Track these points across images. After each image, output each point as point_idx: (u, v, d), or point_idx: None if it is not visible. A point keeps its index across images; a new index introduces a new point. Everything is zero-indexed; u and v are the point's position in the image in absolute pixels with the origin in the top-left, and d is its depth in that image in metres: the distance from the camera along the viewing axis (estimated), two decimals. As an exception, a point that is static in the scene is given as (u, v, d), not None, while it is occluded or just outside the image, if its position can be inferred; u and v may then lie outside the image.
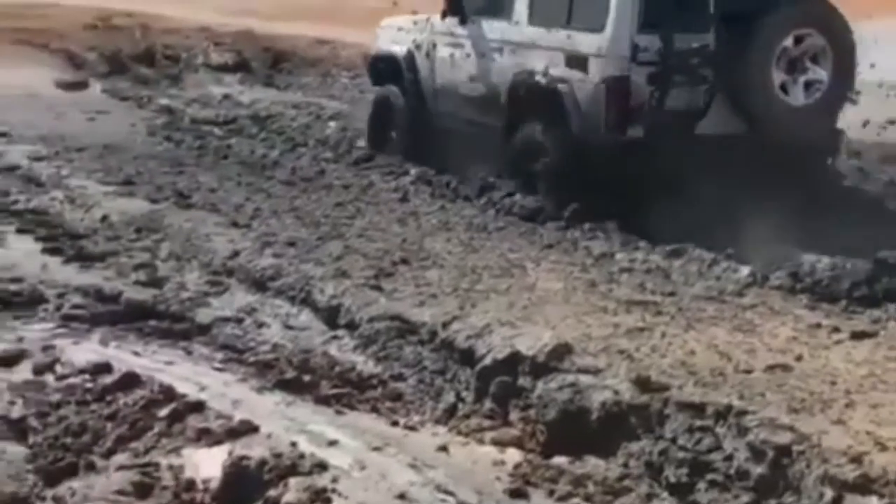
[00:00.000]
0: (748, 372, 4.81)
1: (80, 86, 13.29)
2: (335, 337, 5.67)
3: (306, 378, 5.06)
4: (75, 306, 5.77)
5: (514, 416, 4.79)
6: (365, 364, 5.32)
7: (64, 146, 9.53)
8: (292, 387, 4.97)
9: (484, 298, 5.93)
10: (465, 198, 8.26)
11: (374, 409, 4.88)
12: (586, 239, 7.21)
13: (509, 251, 6.94)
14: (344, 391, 4.99)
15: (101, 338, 5.40)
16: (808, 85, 7.99)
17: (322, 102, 13.10)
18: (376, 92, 10.19)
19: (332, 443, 4.37)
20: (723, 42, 7.78)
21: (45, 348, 5.21)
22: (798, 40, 7.94)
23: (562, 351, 4.87)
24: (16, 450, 4.24)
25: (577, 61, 8.03)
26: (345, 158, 9.65)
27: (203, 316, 5.80)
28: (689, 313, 5.63)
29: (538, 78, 8.27)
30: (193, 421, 4.45)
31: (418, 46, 9.61)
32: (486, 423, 4.77)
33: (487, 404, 4.88)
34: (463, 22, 9.13)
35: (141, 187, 8.22)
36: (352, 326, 5.70)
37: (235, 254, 6.64)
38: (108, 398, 4.65)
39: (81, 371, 4.91)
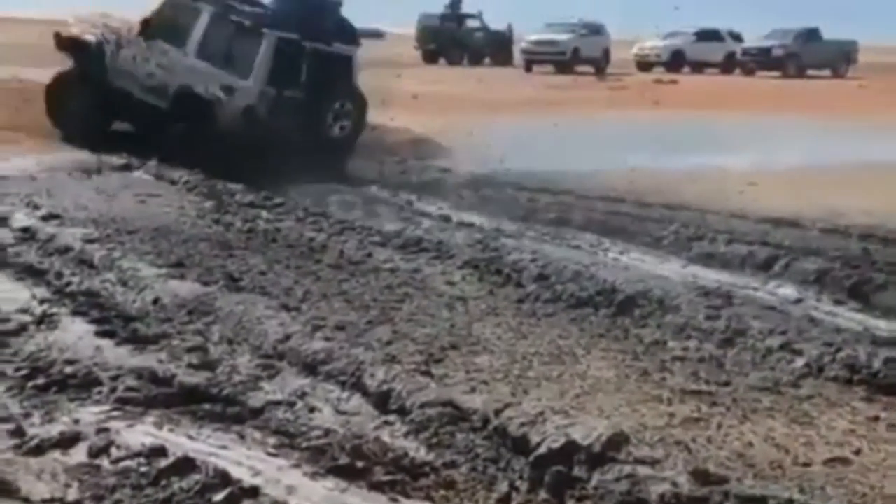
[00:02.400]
0: (807, 465, 4.77)
1: (129, 167, 13.47)
2: (387, 422, 5.64)
3: (359, 464, 5.03)
4: (129, 389, 5.78)
5: (569, 506, 4.74)
6: (417, 451, 5.29)
7: (115, 228, 9.64)
8: (345, 473, 4.94)
9: (535, 385, 5.92)
10: (517, 284, 8.30)
11: (428, 497, 4.84)
12: (637, 327, 7.20)
13: (559, 338, 6.94)
14: (397, 478, 4.96)
15: (156, 421, 5.41)
16: (341, 127, 14.90)
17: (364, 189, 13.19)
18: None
19: (388, 531, 4.34)
20: (307, 97, 14.21)
21: (100, 431, 5.21)
22: (342, 104, 14.93)
23: (618, 441, 4.83)
24: (72, 533, 4.24)
25: (228, 89, 14.00)
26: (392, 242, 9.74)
27: (255, 400, 5.79)
28: (745, 404, 5.58)
29: (199, 90, 14.11)
30: (249, 507, 4.43)
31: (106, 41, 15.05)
32: (542, 513, 4.72)
33: (542, 494, 4.83)
34: (147, 40, 14.73)
35: (192, 270, 8.29)
36: (403, 412, 5.67)
37: (286, 337, 6.66)
38: (163, 482, 4.65)
39: (136, 454, 4.90)
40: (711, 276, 8.85)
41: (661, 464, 4.67)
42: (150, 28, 14.84)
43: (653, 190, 12.98)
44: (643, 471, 4.64)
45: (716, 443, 4.94)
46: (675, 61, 43.20)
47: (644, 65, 43.66)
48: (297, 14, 14.41)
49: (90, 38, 15.28)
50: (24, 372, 5.98)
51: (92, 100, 15.02)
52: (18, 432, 5.16)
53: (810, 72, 41.27)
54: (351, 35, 15.29)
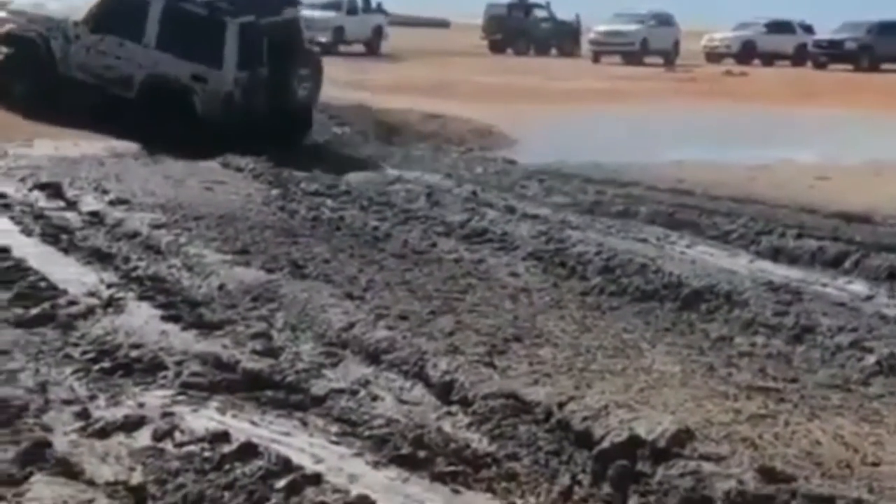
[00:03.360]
0: (876, 465, 4.67)
1: (195, 155, 13.57)
2: (449, 413, 5.61)
3: (421, 454, 5.01)
4: (194, 374, 5.82)
5: (633, 502, 4.68)
6: (479, 442, 5.25)
7: (182, 214, 9.73)
8: (407, 462, 4.92)
9: (599, 379, 5.87)
10: (582, 276, 8.24)
11: (490, 489, 4.81)
12: (704, 322, 7.11)
13: (624, 331, 6.87)
14: (459, 469, 4.93)
15: (220, 406, 5.44)
16: (304, 88, 15.56)
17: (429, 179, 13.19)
18: None
19: (450, 522, 4.32)
20: (271, 70, 14.93)
21: (165, 415, 5.25)
22: (302, 69, 15.55)
23: (683, 436, 4.76)
24: (136, 517, 4.27)
25: (199, 78, 14.59)
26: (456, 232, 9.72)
27: (318, 387, 5.79)
28: (813, 401, 5.49)
29: (170, 80, 14.69)
30: (311, 494, 4.43)
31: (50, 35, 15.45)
32: (605, 508, 4.67)
33: (605, 489, 4.77)
34: (94, 32, 15.17)
35: (257, 257, 8.33)
36: (465, 403, 5.64)
37: (350, 325, 6.66)
38: (226, 467, 4.66)
39: (200, 439, 4.93)
40: (780, 272, 8.72)
41: (726, 460, 4.59)
42: (96, 21, 15.24)
43: (721, 183, 12.83)
44: (708, 467, 4.57)
45: (783, 440, 4.86)
46: (746, 53, 42.68)
47: (714, 56, 43.20)
48: None
49: (31, 34, 15.62)
50: (90, 355, 6.05)
51: (40, 89, 15.35)
52: (84, 415, 5.22)
53: (884, 65, 40.52)
54: None
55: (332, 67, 18.52)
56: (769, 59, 42.59)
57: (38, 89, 15.44)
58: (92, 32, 15.28)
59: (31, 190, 10.60)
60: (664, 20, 43.69)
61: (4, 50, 15.96)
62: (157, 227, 9.13)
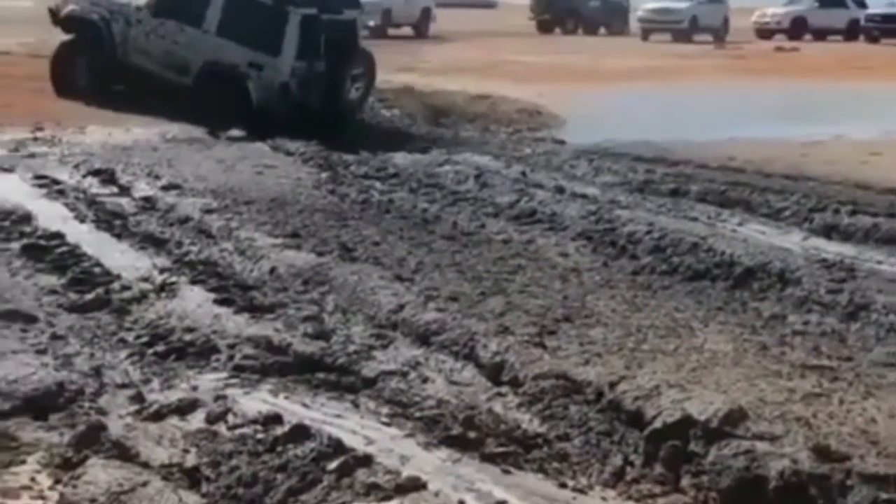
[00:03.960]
0: (933, 443, 4.60)
1: (246, 139, 13.67)
2: (499, 394, 5.62)
3: (472, 435, 5.02)
4: (246, 357, 5.87)
5: (685, 482, 4.65)
6: (530, 423, 5.25)
7: (233, 199, 9.79)
8: (458, 443, 4.93)
9: (651, 359, 5.84)
10: (632, 256, 8.20)
11: (541, 469, 4.80)
12: (756, 300, 7.05)
13: (675, 311, 6.83)
14: (510, 450, 4.93)
15: (272, 389, 5.48)
16: (356, 89, 15.86)
17: (478, 160, 13.18)
18: None
19: (501, 503, 4.32)
20: (327, 66, 14.97)
21: (218, 398, 5.30)
22: (357, 68, 15.77)
23: (736, 416, 4.73)
24: (190, 498, 4.31)
25: (258, 66, 14.70)
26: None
27: (369, 369, 5.82)
28: (868, 379, 5.43)
29: (227, 67, 14.80)
30: (362, 475, 4.45)
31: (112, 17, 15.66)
32: (657, 488, 4.64)
33: (657, 469, 4.76)
34: (156, 16, 15.32)
35: (307, 240, 8.37)
36: (516, 384, 5.64)
37: (400, 307, 6.68)
38: (279, 449, 4.70)
39: (253, 421, 4.96)
40: (833, 249, 8.62)
41: (780, 440, 4.56)
42: (158, 6, 15.38)
43: (773, 160, 12.69)
44: (762, 447, 4.54)
45: (837, 419, 4.81)
46: (797, 28, 42.11)
47: (764, 32, 42.64)
48: None
49: (94, 16, 15.78)
50: (144, 339, 6.12)
51: (99, 73, 15.70)
52: (138, 398, 5.29)
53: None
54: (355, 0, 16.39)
55: (381, 50, 18.52)
56: (821, 34, 41.99)
57: (98, 73, 15.72)
58: (153, 17, 15.41)
59: (84, 176, 10.72)
60: (714, -3, 43.20)
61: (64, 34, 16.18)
62: (209, 211, 9.21)
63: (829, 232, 9.26)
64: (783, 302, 7.03)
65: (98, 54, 15.69)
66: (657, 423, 4.89)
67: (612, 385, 5.31)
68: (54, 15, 16.44)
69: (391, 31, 35.48)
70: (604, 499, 4.58)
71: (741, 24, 42.20)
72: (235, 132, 13.85)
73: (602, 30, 44.81)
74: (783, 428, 4.66)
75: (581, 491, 4.63)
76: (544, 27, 44.27)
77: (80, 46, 15.96)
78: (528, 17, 45.23)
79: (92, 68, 15.80)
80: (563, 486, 4.65)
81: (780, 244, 8.72)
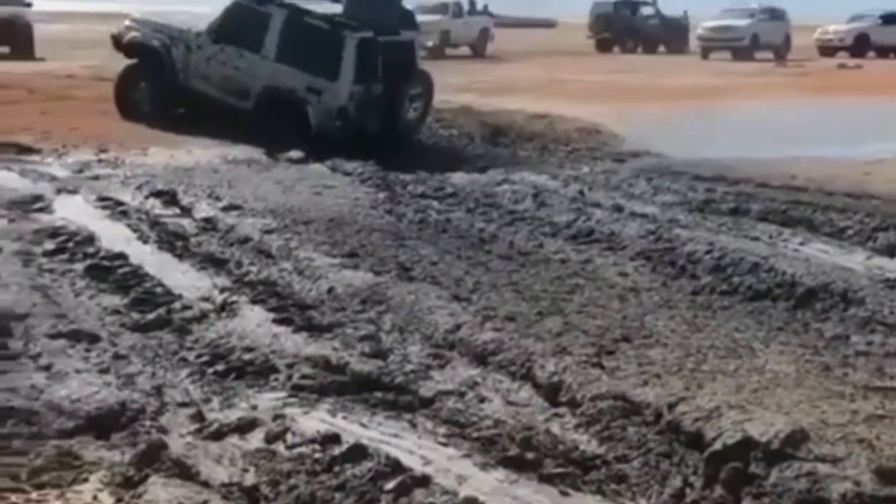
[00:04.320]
0: None
1: (305, 160, 13.77)
2: (557, 414, 5.60)
3: (529, 456, 5.01)
4: (305, 376, 5.90)
5: (746, 504, 4.61)
6: (588, 444, 5.23)
7: (292, 219, 9.87)
8: (515, 464, 4.92)
9: (710, 380, 5.79)
10: (692, 275, 8.14)
11: (599, 491, 4.78)
12: (818, 321, 6.96)
13: (735, 331, 6.77)
14: (568, 471, 4.91)
15: (330, 408, 5.50)
16: (414, 109, 15.90)
17: (535, 179, 13.16)
18: None
19: (558, 524, 4.30)
20: (385, 89, 15.05)
21: (277, 417, 5.33)
22: (415, 89, 15.75)
23: (798, 437, 4.68)
24: (249, 517, 4.34)
25: (315, 91, 14.81)
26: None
27: (426, 389, 5.83)
28: (934, 402, 5.33)
29: (284, 92, 14.98)
30: (420, 495, 4.46)
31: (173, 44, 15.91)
32: (717, 510, 4.60)
33: (718, 491, 4.71)
34: (216, 42, 15.52)
35: (365, 260, 8.41)
36: (574, 404, 5.62)
37: (457, 327, 6.68)
38: (337, 469, 4.72)
39: (311, 441, 4.99)
40: (898, 268, 8.48)
41: (842, 462, 4.50)
42: (218, 32, 15.55)
43: (835, 178, 12.54)
44: (824, 469, 4.48)
45: (902, 441, 4.74)
46: (860, 46, 41.65)
47: (827, 49, 42.24)
48: (369, 11, 15.05)
49: (155, 42, 16.03)
50: (205, 358, 6.18)
51: (161, 97, 15.96)
52: (199, 417, 5.34)
53: None
54: (411, 20, 16.28)
55: (438, 71, 18.58)
56: (884, 51, 41.50)
57: (160, 98, 15.96)
58: (213, 43, 15.60)
59: (147, 197, 10.86)
60: (775, 14, 42.91)
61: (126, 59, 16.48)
62: (268, 231, 9.28)
63: (893, 251, 9.11)
64: (846, 322, 6.95)
65: (160, 79, 15.97)
66: (717, 445, 4.84)
67: (672, 406, 5.27)
68: (117, 41, 16.73)
69: (449, 52, 35.63)
70: (662, 521, 4.54)
71: (803, 42, 41.84)
72: (294, 154, 13.95)
73: (661, 48, 44.66)
74: (845, 450, 4.60)
75: (640, 513, 4.59)
76: (603, 46, 44.23)
77: (142, 72, 16.25)
78: (586, 35, 45.21)
79: (154, 93, 16.06)
80: (621, 507, 4.62)
81: (843, 264, 8.61)
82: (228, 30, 15.52)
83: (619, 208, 10.92)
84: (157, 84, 16.02)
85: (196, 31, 15.91)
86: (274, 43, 15.14)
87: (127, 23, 16.81)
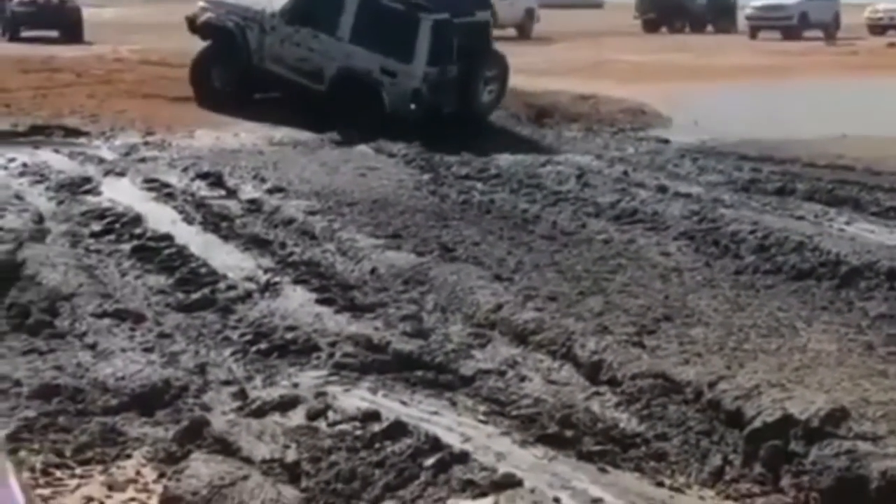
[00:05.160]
0: None
1: (350, 142, 13.81)
2: (597, 393, 5.60)
3: (568, 433, 5.02)
4: (346, 355, 5.95)
5: (785, 482, 4.59)
6: (628, 422, 5.23)
7: (336, 201, 9.92)
8: (555, 442, 4.94)
9: (752, 358, 5.78)
10: (735, 255, 8.10)
11: (638, 469, 4.78)
12: (863, 300, 6.91)
13: (778, 310, 6.74)
14: (607, 448, 4.92)
15: (371, 386, 5.55)
16: (490, 92, 15.68)
17: (580, 160, 13.11)
18: None
19: (596, 501, 4.32)
20: (460, 71, 15.01)
21: (318, 395, 5.38)
22: (490, 71, 15.61)
23: (838, 416, 4.66)
24: (290, 493, 4.38)
25: (390, 73, 14.70)
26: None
27: (467, 368, 5.86)
28: (978, 380, 5.28)
29: (359, 73, 14.86)
30: (458, 472, 4.49)
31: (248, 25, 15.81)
32: (756, 488, 4.59)
33: (757, 469, 4.70)
34: (290, 24, 15.41)
35: (407, 241, 8.45)
36: (614, 383, 5.62)
37: (498, 307, 6.70)
38: (377, 446, 4.75)
39: (352, 418, 5.03)
40: (945, 247, 8.38)
41: (883, 440, 4.48)
42: (292, 13, 15.41)
43: (883, 158, 12.39)
44: (864, 447, 4.46)
45: (944, 420, 4.71)
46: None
47: (877, 28, 41.61)
48: None
49: (230, 24, 15.95)
50: (248, 337, 6.25)
51: (236, 79, 15.85)
52: (241, 395, 5.40)
53: None
54: (485, 1, 16.13)
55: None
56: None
57: (234, 80, 15.91)
58: (287, 24, 15.49)
59: (192, 179, 10.96)
60: (824, -8, 42.31)
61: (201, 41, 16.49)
62: (312, 213, 9.34)
63: (939, 230, 9.02)
64: (890, 301, 6.89)
65: (233, 61, 15.87)
66: (757, 423, 4.83)
67: (712, 385, 5.25)
68: (191, 23, 16.71)
69: (494, 32, 35.45)
70: (702, 498, 4.55)
71: (853, 21, 41.25)
72: (338, 135, 14.01)
73: (709, 28, 44.21)
74: (886, 428, 4.58)
75: (679, 490, 4.60)
76: (650, 26, 43.84)
77: (216, 54, 16.20)
78: (633, 16, 44.86)
79: (228, 75, 15.99)
80: (660, 485, 4.63)
81: (889, 243, 8.53)
82: (303, 11, 15.39)
83: (663, 188, 10.87)
84: (230, 67, 15.94)
85: (270, 11, 15.78)
86: (349, 24, 15.02)
87: (201, 4, 16.76)
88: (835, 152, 12.92)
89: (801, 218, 9.54)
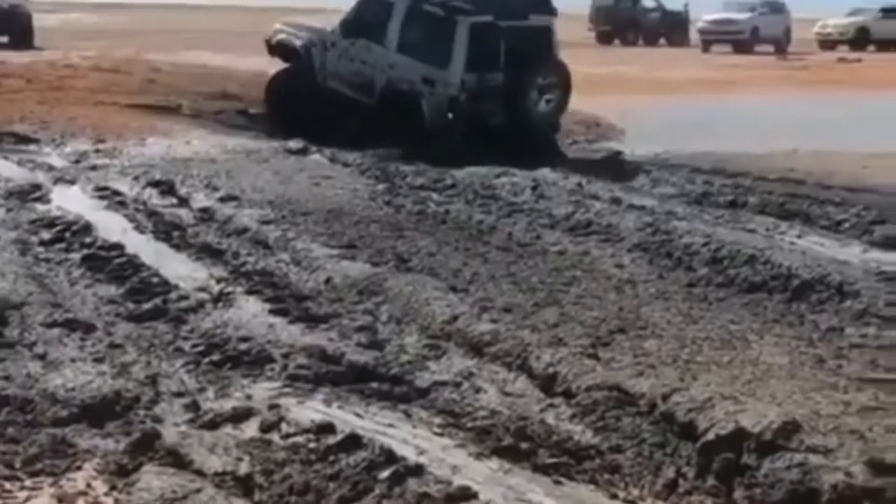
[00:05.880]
0: None
1: (304, 151, 13.77)
2: (552, 405, 5.60)
3: (523, 446, 5.02)
4: (300, 366, 5.91)
5: (738, 494, 4.61)
6: (582, 434, 5.24)
7: (290, 210, 9.87)
8: (510, 454, 4.93)
9: (705, 371, 5.81)
10: (688, 268, 8.15)
11: (593, 481, 4.79)
12: (814, 313, 6.98)
13: (731, 323, 6.78)
14: (561, 461, 4.92)
15: (325, 398, 5.51)
16: (547, 101, 14.61)
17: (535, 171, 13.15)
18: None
19: (551, 513, 4.32)
20: (509, 78, 14.12)
21: (272, 407, 5.34)
22: (545, 79, 14.56)
23: (790, 429, 4.69)
24: (243, 506, 4.35)
25: (430, 82, 14.02)
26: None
27: (422, 380, 5.84)
28: (927, 394, 5.34)
29: (403, 84, 14.27)
30: (413, 485, 4.46)
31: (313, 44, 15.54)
32: (710, 500, 4.61)
33: (710, 481, 4.72)
34: (346, 37, 15.04)
35: (363, 251, 8.42)
36: (568, 395, 5.62)
37: (454, 318, 6.69)
38: (331, 458, 4.73)
39: (306, 431, 5.00)
40: (893, 261, 8.48)
41: (834, 453, 4.51)
42: (351, 27, 15.06)
43: (834, 172, 12.55)
44: (816, 460, 4.49)
45: (894, 432, 4.75)
46: (860, 39, 41.63)
47: (827, 43, 42.24)
48: None
49: (297, 43, 15.76)
50: (200, 348, 6.19)
51: (305, 99, 15.16)
52: (194, 407, 5.35)
53: None
54: (546, 4, 14.84)
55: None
56: (884, 45, 41.46)
57: (297, 100, 15.24)
58: (344, 37, 15.11)
59: (144, 188, 10.87)
60: (775, 7, 42.87)
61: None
62: (266, 222, 9.29)
63: (889, 244, 9.12)
64: (841, 314, 6.95)
65: (301, 81, 15.43)
66: (710, 436, 4.85)
67: (666, 397, 5.27)
68: (268, 44, 16.44)
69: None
70: (656, 511, 4.56)
71: (804, 35, 41.81)
72: (292, 144, 13.95)
73: (662, 41, 44.63)
74: (838, 441, 4.61)
75: (632, 502, 4.61)
76: (604, 38, 44.23)
77: (286, 74, 15.95)
78: (587, 27, 45.17)
79: (297, 95, 15.33)
80: (614, 497, 4.64)
81: (839, 257, 8.62)
82: (358, 22, 15.00)
83: (617, 200, 10.93)
84: (295, 86, 15.45)
85: (332, 28, 15.52)
86: (396, 33, 14.50)
87: (276, 26, 16.50)
88: (786, 166, 13.05)
89: (752, 231, 9.62)
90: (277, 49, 16.28)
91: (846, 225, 9.83)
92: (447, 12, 14.01)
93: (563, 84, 14.78)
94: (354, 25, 15.05)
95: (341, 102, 15.11)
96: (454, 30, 13.85)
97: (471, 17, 13.87)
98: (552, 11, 14.89)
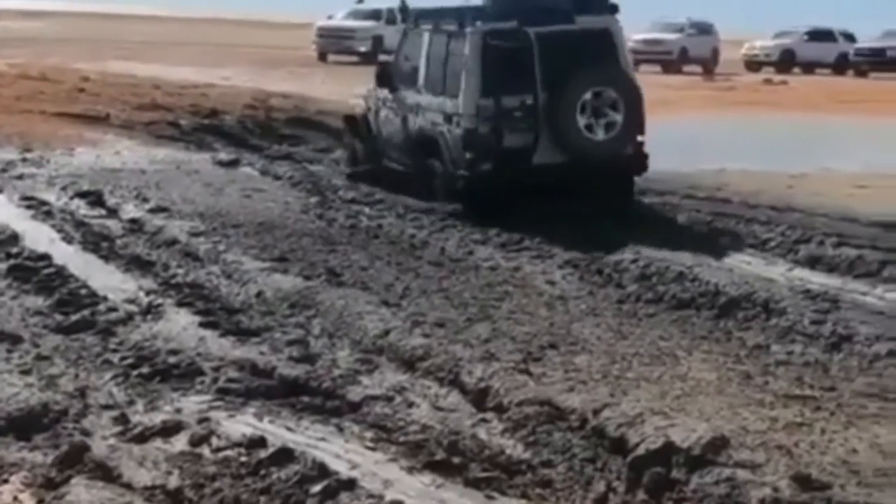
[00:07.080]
0: (913, 474, 4.63)
1: (235, 163, 13.68)
2: (484, 420, 5.63)
3: (456, 460, 5.04)
4: (231, 380, 5.88)
5: (668, 509, 4.68)
6: (514, 449, 5.27)
7: (221, 222, 9.81)
8: (442, 468, 4.95)
9: (635, 386, 5.87)
10: (618, 284, 8.23)
11: (524, 495, 4.82)
12: (741, 330, 7.09)
13: (660, 339, 6.87)
14: (493, 475, 4.95)
15: (256, 412, 5.48)
16: (607, 126, 10.99)
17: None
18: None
19: (483, 528, 4.33)
20: (549, 97, 10.83)
21: (202, 420, 5.31)
22: (597, 94, 10.92)
23: (718, 444, 4.76)
24: (173, 520, 4.31)
25: (447, 117, 11.08)
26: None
27: (354, 394, 5.83)
28: (850, 410, 5.47)
29: (427, 128, 11.42)
30: (345, 499, 4.47)
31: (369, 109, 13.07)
32: (640, 514, 4.67)
33: (640, 495, 4.77)
34: (392, 91, 12.23)
35: (294, 264, 8.39)
36: (500, 410, 5.66)
37: (386, 332, 6.70)
38: (263, 472, 4.71)
39: (237, 444, 4.98)
40: (818, 280, 8.65)
41: (761, 468, 4.59)
42: (381, 78, 12.46)
43: (760, 191, 12.74)
44: (743, 475, 4.56)
45: (819, 448, 4.85)
46: (785, 61, 42.38)
47: (753, 65, 42.89)
48: None
49: (358, 111, 13.83)
50: (129, 361, 6.13)
51: (360, 168, 13.00)
52: (123, 420, 5.30)
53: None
54: (602, 1, 11.42)
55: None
56: (809, 67, 42.25)
57: (360, 170, 12.94)
58: (391, 91, 12.35)
59: (72, 198, 10.74)
60: (703, 28, 43.45)
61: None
62: (196, 234, 9.23)
63: (813, 263, 9.29)
64: (767, 332, 7.07)
65: (357, 151, 13.27)
66: (640, 450, 4.91)
67: (596, 412, 5.33)
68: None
69: (382, 58, 35.58)
70: (586, 525, 4.59)
71: (731, 56, 42.46)
72: (223, 156, 13.86)
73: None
74: (765, 456, 4.69)
75: (564, 517, 4.64)
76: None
77: (350, 145, 13.62)
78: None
79: (356, 167, 13.12)
80: (545, 511, 4.66)
81: (765, 274, 8.76)
82: (396, 70, 12.37)
83: (549, 218, 10.95)
84: (355, 155, 13.33)
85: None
86: (423, 70, 11.67)
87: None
88: (713, 185, 13.24)
89: (680, 248, 9.73)
90: (345, 120, 13.99)
91: (772, 244, 9.97)
92: (460, 25, 11.18)
93: (630, 102, 11.14)
94: (386, 77, 12.42)
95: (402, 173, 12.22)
96: (463, 44, 10.98)
97: (484, 24, 11.01)
98: (612, 9, 11.41)
